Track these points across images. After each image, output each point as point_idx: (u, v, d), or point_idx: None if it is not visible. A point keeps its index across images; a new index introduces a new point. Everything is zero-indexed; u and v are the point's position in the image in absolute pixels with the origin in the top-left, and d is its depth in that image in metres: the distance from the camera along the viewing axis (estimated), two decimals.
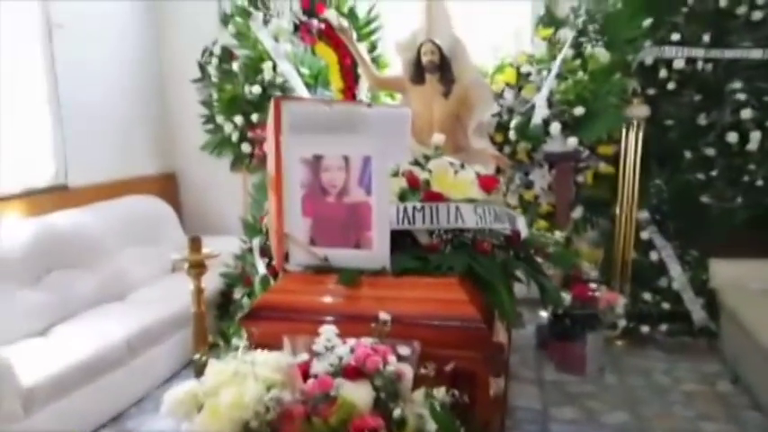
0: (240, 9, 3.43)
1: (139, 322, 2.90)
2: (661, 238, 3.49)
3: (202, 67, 3.79)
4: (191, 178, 4.14)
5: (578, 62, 3.22)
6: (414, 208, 1.74)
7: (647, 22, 3.30)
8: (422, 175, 1.86)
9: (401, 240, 1.75)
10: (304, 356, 1.31)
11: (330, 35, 3.69)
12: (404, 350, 1.41)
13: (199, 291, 1.96)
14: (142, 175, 3.87)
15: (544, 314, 3.30)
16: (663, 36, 3.37)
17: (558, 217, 3.42)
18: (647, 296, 3.44)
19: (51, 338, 2.75)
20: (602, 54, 3.17)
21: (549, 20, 3.52)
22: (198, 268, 1.92)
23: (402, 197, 1.82)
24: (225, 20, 3.60)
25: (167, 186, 4.01)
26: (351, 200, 1.62)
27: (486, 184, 1.87)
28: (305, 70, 3.31)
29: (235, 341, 1.67)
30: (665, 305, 3.38)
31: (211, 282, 2.97)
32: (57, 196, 3.25)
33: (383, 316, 1.42)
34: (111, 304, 3.14)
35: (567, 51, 3.25)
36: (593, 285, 3.12)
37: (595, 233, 3.62)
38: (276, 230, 1.67)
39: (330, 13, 3.56)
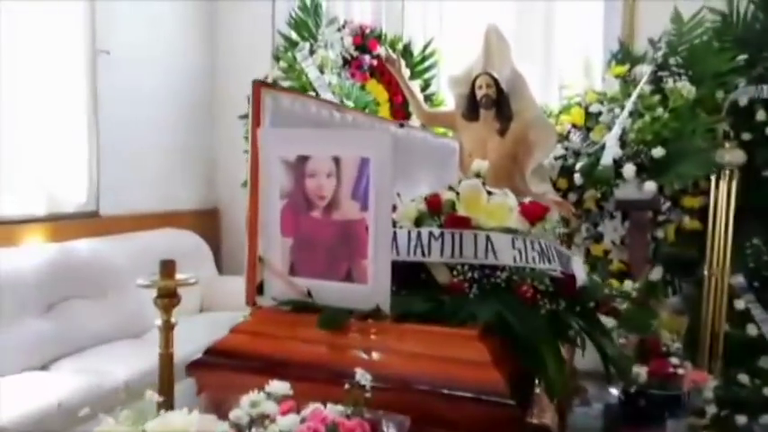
0: (287, 39, 3.19)
1: (147, 364, 2.54)
2: (761, 310, 2.82)
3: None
4: (234, 215, 3.85)
5: (657, 98, 2.70)
6: (430, 234, 1.28)
7: (742, 57, 2.77)
8: (445, 196, 1.41)
9: (410, 275, 1.30)
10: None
11: (383, 72, 3.38)
12: (388, 428, 0.94)
13: (168, 327, 1.55)
14: (182, 208, 3.61)
15: (615, 392, 2.67)
16: (761, 74, 2.82)
17: (633, 276, 2.83)
18: (743, 378, 2.75)
19: (51, 373, 2.45)
20: (686, 88, 2.64)
21: (624, 56, 3.05)
22: (168, 298, 1.51)
23: (418, 221, 1.38)
24: (277, 54, 3.37)
25: (208, 222, 3.73)
26: (342, 216, 1.19)
27: (531, 211, 1.39)
28: (350, 103, 2.98)
29: None
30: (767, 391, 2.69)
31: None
32: (86, 223, 3.02)
33: (361, 374, 0.95)
34: (124, 341, 2.82)
35: (644, 86, 2.75)
36: (675, 360, 2.49)
37: (678, 299, 2.98)
38: (248, 253, 1.26)
39: (383, 51, 3.26)
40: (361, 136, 1.17)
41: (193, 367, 1.21)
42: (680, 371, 2.48)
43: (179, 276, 1.54)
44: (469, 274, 1.28)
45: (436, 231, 1.28)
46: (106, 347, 2.73)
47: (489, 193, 1.41)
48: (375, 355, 1.13)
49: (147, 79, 3.37)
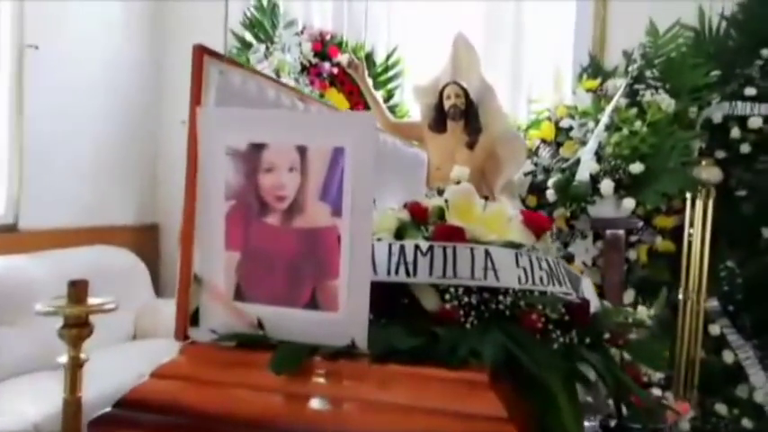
0: (241, 40, 2.89)
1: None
2: (737, 336, 2.67)
3: None
4: (176, 232, 3.48)
5: (634, 111, 2.54)
6: (416, 249, 1.00)
7: (715, 73, 2.65)
8: (432, 203, 1.14)
9: (391, 301, 1.01)
10: None
11: (343, 81, 3.13)
12: None
13: (75, 365, 1.21)
14: (117, 223, 3.21)
15: (592, 425, 2.43)
16: (734, 90, 2.71)
17: (609, 301, 2.63)
18: (721, 409, 2.58)
19: None
20: (665, 102, 2.48)
21: (595, 69, 2.90)
22: (77, 328, 1.18)
23: (399, 233, 1.10)
24: (229, 57, 3.06)
25: (147, 239, 3.34)
26: (306, 223, 0.90)
27: (535, 221, 1.13)
28: None
29: None
30: (746, 422, 2.52)
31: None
32: (2, 238, 2.61)
33: None
34: (43, 373, 2.40)
35: (619, 99, 2.59)
36: (656, 392, 2.29)
37: (652, 324, 2.79)
38: (180, 271, 0.95)
39: (344, 58, 3.02)
40: (335, 119, 0.89)
41: (97, 426, 0.88)
42: (661, 402, 2.29)
43: (92, 301, 1.21)
44: (465, 299, 1.00)
45: (424, 245, 1.01)
46: (21, 381, 2.34)
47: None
48: (349, 409, 0.84)
49: (81, 79, 2.99)
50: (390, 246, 1.01)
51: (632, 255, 2.78)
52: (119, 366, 2.39)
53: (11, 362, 2.37)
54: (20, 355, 2.41)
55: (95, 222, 3.07)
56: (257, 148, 0.90)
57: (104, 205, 3.16)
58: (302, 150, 0.88)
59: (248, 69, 1.06)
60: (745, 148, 2.67)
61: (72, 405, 1.18)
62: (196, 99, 0.91)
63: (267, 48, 2.81)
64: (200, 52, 0.91)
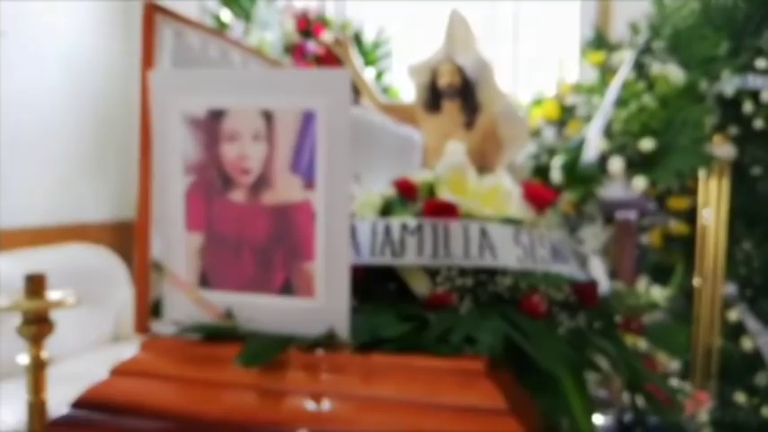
0: (217, 19, 2.82)
1: None
2: (754, 321, 2.61)
3: None
4: None
5: (642, 84, 2.46)
6: (403, 227, 0.93)
7: (726, 46, 2.58)
8: (421, 177, 1.08)
9: (376, 286, 0.95)
10: None
11: (329, 61, 3.05)
12: None
13: (38, 365, 1.14)
14: (92, 220, 3.13)
15: (604, 420, 2.37)
16: (744, 62, 2.64)
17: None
18: (740, 398, 2.52)
19: None
20: (674, 73, 2.41)
21: (600, 43, 2.82)
22: (37, 325, 1.11)
23: (385, 212, 1.03)
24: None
25: (124, 236, 3.25)
26: (276, 198, 0.83)
27: (538, 194, 1.06)
28: None
29: None
30: (767, 411, 2.46)
31: None
32: None
33: None
34: (18, 379, 2.35)
35: (626, 72, 2.51)
36: (674, 383, 2.22)
37: (668, 310, 2.73)
38: (137, 257, 0.88)
39: (329, 36, 2.95)
40: (304, 78, 0.81)
41: (55, 428, 0.82)
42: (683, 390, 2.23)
43: (54, 296, 1.14)
44: (459, 282, 0.94)
45: (411, 223, 0.94)
46: None
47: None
48: (329, 406, 0.77)
49: (51, 68, 2.91)
50: (375, 225, 0.95)
51: (645, 239, 2.71)
52: (97, 369, 2.32)
53: None
54: None
55: (70, 220, 3.00)
56: (217, 114, 0.82)
57: (79, 202, 3.08)
58: (268, 116, 0.81)
59: (209, 30, 0.99)
60: (759, 124, 2.59)
61: (36, 407, 1.11)
62: (147, 62, 0.84)
63: (245, 26, 2.73)
64: (151, 9, 0.84)
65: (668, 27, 2.59)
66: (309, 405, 0.78)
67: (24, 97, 2.76)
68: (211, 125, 0.83)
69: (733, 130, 2.63)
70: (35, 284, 1.13)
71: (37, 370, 1.16)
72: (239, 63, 1.04)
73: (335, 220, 0.81)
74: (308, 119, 0.80)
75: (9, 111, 2.68)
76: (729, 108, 2.63)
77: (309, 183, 0.81)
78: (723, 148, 2.50)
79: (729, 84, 2.61)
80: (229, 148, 0.82)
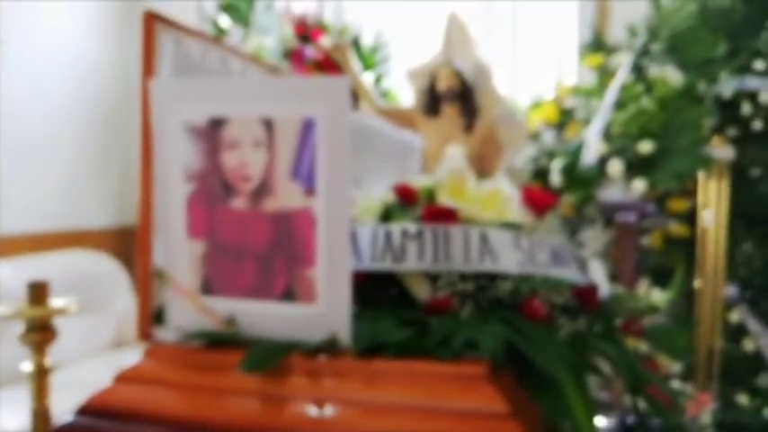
0: (216, 24, 2.83)
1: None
2: (756, 322, 2.62)
3: None
4: None
5: (641, 87, 2.48)
6: (404, 233, 0.94)
7: (724, 48, 2.59)
8: (420, 182, 1.08)
9: (377, 291, 0.95)
10: None
11: (328, 66, 3.07)
12: None
13: (41, 372, 1.15)
14: (93, 226, 3.15)
15: (606, 423, 2.37)
16: (742, 64, 2.65)
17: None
18: (742, 399, 2.53)
19: None
20: (672, 75, 2.42)
21: (598, 45, 2.84)
22: (40, 332, 1.13)
23: (385, 217, 1.04)
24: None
25: (125, 242, 3.27)
26: (277, 205, 0.83)
27: (538, 199, 1.07)
28: None
29: None
30: None
31: None
32: None
33: None
34: (22, 385, 2.36)
35: (625, 74, 2.52)
36: (676, 384, 2.23)
37: (669, 313, 2.74)
38: (140, 265, 0.89)
39: (328, 41, 2.97)
40: (303, 86, 0.82)
41: None
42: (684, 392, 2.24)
43: (54, 303, 1.15)
44: (459, 287, 0.94)
45: (412, 228, 0.95)
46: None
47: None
48: (332, 411, 0.78)
49: (52, 74, 2.92)
50: (375, 230, 0.95)
51: (645, 241, 2.73)
52: (100, 375, 2.32)
53: None
54: None
55: (72, 226, 3.01)
56: (217, 123, 0.83)
57: (81, 208, 3.09)
58: (268, 123, 0.82)
59: (209, 39, 1.00)
60: (757, 125, 2.61)
61: (40, 415, 1.12)
62: (147, 71, 0.85)
63: (244, 32, 2.75)
64: (151, 19, 0.85)
65: (666, 29, 2.60)
66: (312, 411, 0.78)
67: (26, 104, 2.78)
68: (212, 133, 0.84)
69: (732, 131, 2.64)
70: (38, 292, 1.14)
71: (40, 377, 1.17)
72: (239, 71, 1.05)
73: (336, 227, 0.81)
74: (308, 126, 0.81)
75: (11, 117, 2.69)
76: (728, 110, 2.65)
77: (310, 189, 0.82)
78: (722, 150, 2.51)
79: (727, 85, 2.62)
80: (230, 155, 0.83)
